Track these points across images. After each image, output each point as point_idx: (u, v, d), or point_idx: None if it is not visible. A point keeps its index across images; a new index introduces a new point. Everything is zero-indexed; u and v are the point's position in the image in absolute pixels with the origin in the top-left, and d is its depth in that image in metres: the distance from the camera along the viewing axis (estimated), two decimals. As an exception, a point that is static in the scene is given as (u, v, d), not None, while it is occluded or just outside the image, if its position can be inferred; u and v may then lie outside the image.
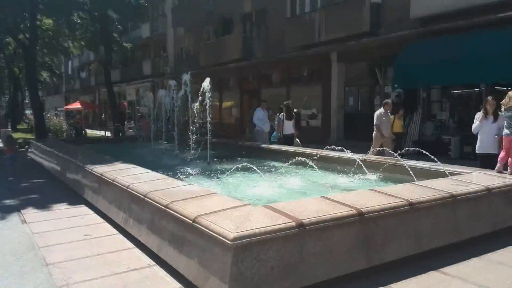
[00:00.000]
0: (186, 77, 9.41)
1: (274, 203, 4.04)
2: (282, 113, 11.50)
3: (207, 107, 8.55)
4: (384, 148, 8.46)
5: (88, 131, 25.77)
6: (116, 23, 22.10)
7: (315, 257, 3.38)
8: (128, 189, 5.05)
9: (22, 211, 6.23)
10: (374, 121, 9.52)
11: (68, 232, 5.14)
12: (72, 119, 29.61)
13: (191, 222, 3.57)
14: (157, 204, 4.23)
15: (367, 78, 15.73)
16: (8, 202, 6.98)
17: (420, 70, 11.91)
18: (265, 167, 8.23)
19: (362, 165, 6.74)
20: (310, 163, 6.34)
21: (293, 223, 3.32)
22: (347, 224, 3.60)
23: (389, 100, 10.19)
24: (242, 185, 6.41)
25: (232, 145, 11.58)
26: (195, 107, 9.61)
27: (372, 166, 6.99)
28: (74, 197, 7.01)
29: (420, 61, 11.95)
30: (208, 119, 8.64)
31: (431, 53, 11.75)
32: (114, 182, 5.56)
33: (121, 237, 4.93)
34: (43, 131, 19.19)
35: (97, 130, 29.43)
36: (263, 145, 10.29)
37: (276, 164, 8.69)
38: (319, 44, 15.90)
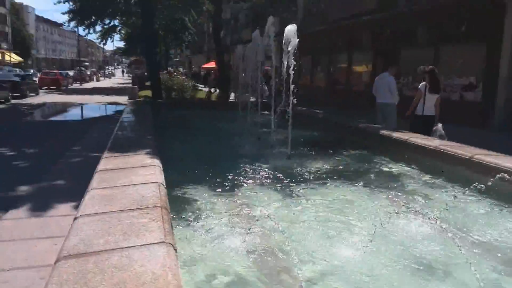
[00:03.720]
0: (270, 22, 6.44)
1: None
2: (423, 82, 7.79)
3: (289, 67, 5.58)
4: None
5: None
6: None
7: None
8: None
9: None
10: None
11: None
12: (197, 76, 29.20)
13: None
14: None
15: None
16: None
17: None
18: (381, 176, 5.04)
19: None
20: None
21: None
22: None
23: None
24: (314, 232, 3.38)
25: (343, 126, 8.37)
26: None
27: None
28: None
29: None
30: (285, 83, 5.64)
31: None
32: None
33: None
34: (158, 91, 18.51)
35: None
36: (384, 132, 6.88)
37: (406, 170, 5.40)
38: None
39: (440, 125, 7.09)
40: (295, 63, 5.60)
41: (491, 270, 2.75)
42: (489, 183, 3.55)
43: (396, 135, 6.59)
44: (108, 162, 4.36)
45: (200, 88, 27.09)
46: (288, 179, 4.66)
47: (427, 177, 5.05)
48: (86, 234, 2.49)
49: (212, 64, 38.53)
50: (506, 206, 3.92)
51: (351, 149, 6.48)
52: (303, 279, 2.46)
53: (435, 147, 5.65)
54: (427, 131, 7.02)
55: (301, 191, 4.26)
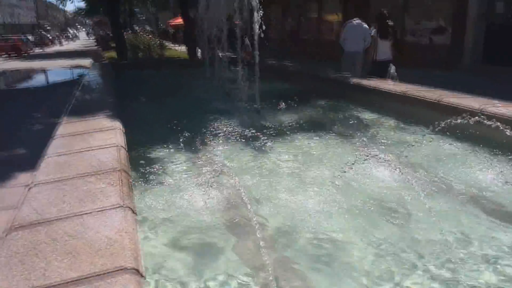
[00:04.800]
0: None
1: None
2: (375, 29, 7.75)
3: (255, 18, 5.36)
4: None
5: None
6: None
7: None
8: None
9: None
10: None
11: None
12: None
13: None
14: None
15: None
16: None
17: None
18: (349, 124, 5.02)
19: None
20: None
21: None
22: None
23: None
24: (276, 181, 3.34)
25: (312, 77, 8.26)
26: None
27: None
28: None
29: None
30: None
31: None
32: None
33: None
34: (123, 51, 17.75)
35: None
36: (353, 80, 6.82)
37: (374, 117, 5.40)
38: None
39: (392, 67, 7.06)
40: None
41: (451, 210, 2.78)
42: (453, 123, 3.57)
43: (365, 82, 6.55)
44: (65, 127, 4.15)
45: (169, 46, 26.19)
46: (256, 133, 4.58)
47: (394, 122, 5.06)
48: (39, 203, 2.36)
49: (178, 20, 36.97)
50: (470, 146, 3.97)
51: (321, 99, 6.41)
52: (259, 223, 2.41)
53: (403, 92, 5.64)
54: (383, 75, 7.00)
55: (268, 143, 4.19)
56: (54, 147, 3.45)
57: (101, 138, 3.61)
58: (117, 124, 4.06)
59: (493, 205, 2.89)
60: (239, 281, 2.12)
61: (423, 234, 2.47)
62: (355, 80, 6.75)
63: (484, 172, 3.40)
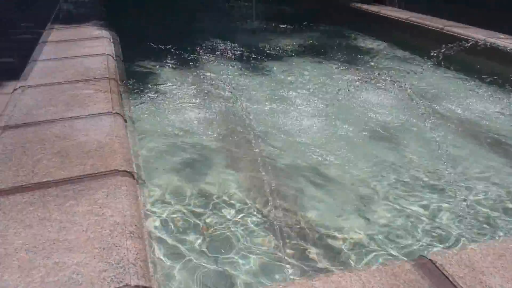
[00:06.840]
0: None
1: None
2: None
3: None
4: None
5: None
6: None
7: None
8: None
9: None
10: None
11: None
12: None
13: None
14: None
15: None
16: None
17: None
18: (348, 50, 4.84)
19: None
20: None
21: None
22: None
23: None
24: (271, 103, 3.23)
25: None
26: None
27: None
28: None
29: None
30: None
31: None
32: None
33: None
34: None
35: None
36: (357, 4, 6.49)
37: (375, 44, 5.22)
38: None
39: None
40: None
41: (450, 137, 2.78)
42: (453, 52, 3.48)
43: (366, 7, 6.25)
44: (51, 34, 3.94)
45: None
46: (251, 54, 4.43)
47: (395, 50, 4.91)
48: (25, 104, 2.28)
49: None
50: (468, 76, 3.90)
51: (321, 22, 6.12)
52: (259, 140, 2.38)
53: (406, 19, 5.43)
54: None
55: (263, 65, 4.06)
56: (39, 53, 3.28)
57: (89, 46, 3.44)
58: (106, 33, 3.86)
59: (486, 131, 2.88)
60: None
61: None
62: (356, 5, 6.44)
63: (479, 100, 3.39)
